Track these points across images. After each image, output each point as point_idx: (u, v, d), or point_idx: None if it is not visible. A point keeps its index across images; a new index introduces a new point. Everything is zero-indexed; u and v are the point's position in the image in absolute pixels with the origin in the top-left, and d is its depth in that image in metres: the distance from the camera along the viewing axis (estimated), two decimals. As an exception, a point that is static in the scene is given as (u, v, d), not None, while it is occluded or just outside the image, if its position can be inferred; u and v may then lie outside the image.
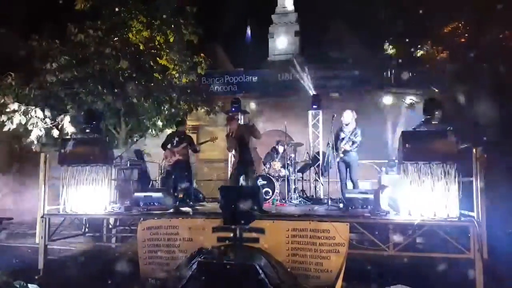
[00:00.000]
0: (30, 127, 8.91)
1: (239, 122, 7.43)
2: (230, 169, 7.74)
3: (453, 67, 9.63)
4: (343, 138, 7.17)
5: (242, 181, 7.35)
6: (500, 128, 8.31)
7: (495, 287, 4.98)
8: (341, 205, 6.80)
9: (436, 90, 10.50)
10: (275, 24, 16.94)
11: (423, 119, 5.90)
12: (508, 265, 5.40)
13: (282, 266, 5.34)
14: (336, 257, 5.25)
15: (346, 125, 7.20)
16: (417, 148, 5.47)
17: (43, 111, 8.89)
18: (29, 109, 8.81)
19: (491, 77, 8.94)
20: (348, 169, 7.28)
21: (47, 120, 8.99)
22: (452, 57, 10.10)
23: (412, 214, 5.43)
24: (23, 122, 8.79)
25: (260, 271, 4.69)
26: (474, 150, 5.36)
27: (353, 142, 7.12)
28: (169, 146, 7.76)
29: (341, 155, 7.17)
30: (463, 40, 9.40)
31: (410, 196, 5.49)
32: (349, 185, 7.31)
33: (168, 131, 10.17)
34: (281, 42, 16.55)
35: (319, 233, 5.38)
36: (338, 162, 7.30)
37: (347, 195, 6.66)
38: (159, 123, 10.15)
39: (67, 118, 8.89)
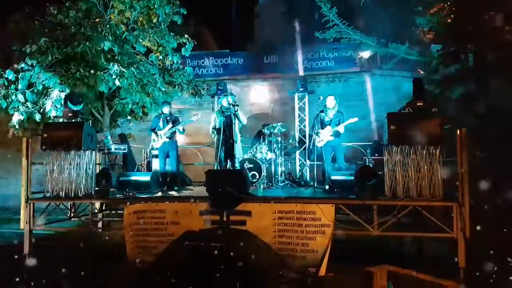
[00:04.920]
0: (11, 111, 8.71)
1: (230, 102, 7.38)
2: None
3: (439, 48, 9.67)
4: (328, 123, 7.28)
5: (228, 164, 7.38)
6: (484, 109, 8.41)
7: (476, 265, 5.10)
8: (326, 187, 6.85)
9: (422, 72, 10.56)
10: (261, 5, 16.72)
11: (408, 101, 5.94)
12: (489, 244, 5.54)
13: (269, 247, 5.41)
14: (321, 238, 5.34)
15: (330, 109, 7.30)
16: (402, 129, 5.52)
17: (24, 94, 8.68)
18: (10, 92, 8.60)
19: (476, 58, 9.00)
20: (333, 153, 7.40)
21: (29, 104, 8.80)
22: (438, 38, 10.12)
23: (397, 195, 5.51)
24: (4, 106, 8.59)
25: (247, 253, 4.74)
26: (458, 131, 5.43)
27: (339, 133, 7.27)
28: (155, 129, 7.77)
29: (329, 138, 7.28)
30: (449, 20, 9.40)
31: (395, 177, 5.56)
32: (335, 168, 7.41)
33: (153, 114, 10.07)
34: (267, 23, 16.36)
35: (305, 214, 5.46)
36: (322, 147, 7.40)
37: (332, 177, 6.74)
38: (143, 106, 10.00)
39: (49, 102, 8.70)
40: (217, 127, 7.61)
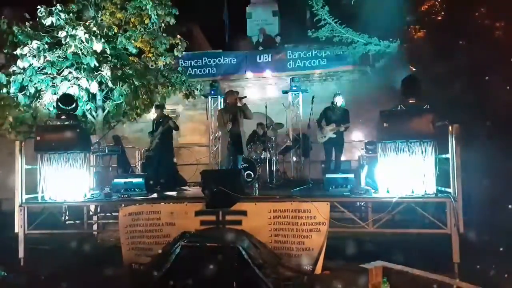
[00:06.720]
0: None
1: (236, 98, 7.02)
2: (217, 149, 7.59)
3: (430, 45, 9.71)
4: (335, 121, 7.35)
5: (239, 160, 7.21)
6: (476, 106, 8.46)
7: (470, 260, 5.15)
8: (321, 185, 6.87)
9: (414, 69, 10.60)
10: (253, 4, 16.68)
11: (400, 98, 5.96)
12: (482, 239, 5.61)
13: (265, 246, 5.42)
14: (317, 236, 5.36)
15: (338, 107, 7.35)
16: (394, 127, 5.56)
17: (16, 97, 8.61)
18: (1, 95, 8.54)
19: (467, 55, 9.05)
20: (335, 150, 7.47)
21: (21, 107, 8.73)
22: (429, 36, 10.18)
23: (391, 192, 5.55)
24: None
25: (244, 252, 4.75)
26: (450, 127, 5.47)
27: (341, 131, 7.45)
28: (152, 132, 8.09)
29: (332, 136, 7.35)
30: (440, 18, 9.46)
31: (389, 174, 5.60)
32: (333, 166, 7.46)
33: (147, 116, 10.06)
34: (259, 23, 16.33)
35: (301, 213, 5.47)
36: (324, 143, 7.45)
37: (327, 175, 6.75)
38: (136, 107, 9.95)
39: (42, 105, 8.64)
40: (225, 124, 7.07)
